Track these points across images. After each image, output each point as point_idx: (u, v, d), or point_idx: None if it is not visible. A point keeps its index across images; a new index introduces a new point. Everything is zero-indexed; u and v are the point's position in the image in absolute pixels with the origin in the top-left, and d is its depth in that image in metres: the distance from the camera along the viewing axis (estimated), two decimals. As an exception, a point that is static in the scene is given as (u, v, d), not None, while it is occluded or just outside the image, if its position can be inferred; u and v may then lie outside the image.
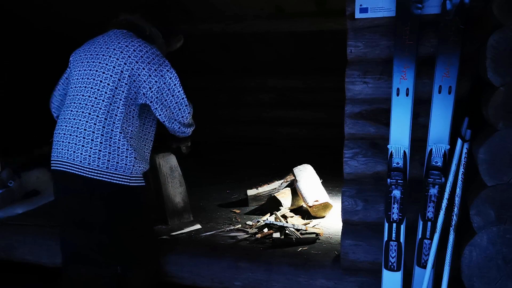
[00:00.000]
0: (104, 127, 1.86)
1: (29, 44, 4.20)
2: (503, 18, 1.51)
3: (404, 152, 1.78)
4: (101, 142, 1.86)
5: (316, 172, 3.05)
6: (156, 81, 1.90)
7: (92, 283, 1.97)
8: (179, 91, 1.97)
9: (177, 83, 1.96)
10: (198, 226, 2.69)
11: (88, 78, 1.92)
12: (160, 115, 1.97)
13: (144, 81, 1.89)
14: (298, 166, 3.07)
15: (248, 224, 2.70)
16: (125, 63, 1.88)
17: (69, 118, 1.93)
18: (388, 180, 1.81)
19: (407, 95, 1.76)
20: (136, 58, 1.89)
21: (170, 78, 1.93)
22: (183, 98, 1.98)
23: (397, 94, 1.77)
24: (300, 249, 2.34)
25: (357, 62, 1.88)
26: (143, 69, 1.89)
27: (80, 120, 1.89)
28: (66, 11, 3.80)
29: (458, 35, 1.67)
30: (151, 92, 1.91)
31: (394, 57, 1.76)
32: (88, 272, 1.95)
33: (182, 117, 2.01)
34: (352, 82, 1.89)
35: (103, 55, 1.92)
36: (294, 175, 2.99)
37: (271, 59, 4.76)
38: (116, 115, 1.88)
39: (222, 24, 3.86)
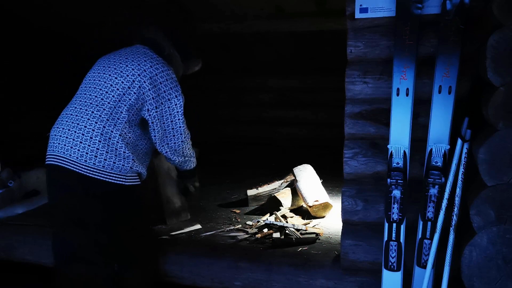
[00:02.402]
0: (104, 127, 1.87)
1: (29, 44, 4.20)
2: (503, 18, 1.51)
3: (404, 152, 1.78)
4: (99, 141, 1.86)
5: (316, 172, 3.05)
6: (162, 103, 1.95)
7: (92, 283, 1.97)
8: (179, 119, 2.01)
9: (180, 111, 2.00)
10: (198, 226, 2.70)
11: (99, 80, 1.96)
12: (154, 135, 1.99)
13: (152, 98, 1.93)
14: (298, 166, 3.07)
15: (248, 224, 2.70)
16: (138, 75, 1.92)
17: (71, 114, 1.94)
18: (388, 180, 1.81)
19: (407, 95, 1.76)
20: (150, 74, 1.93)
21: (175, 105, 1.98)
22: (180, 127, 2.02)
23: (397, 94, 1.77)
24: (300, 249, 2.34)
25: (357, 62, 1.88)
26: (154, 86, 1.93)
27: (82, 117, 1.90)
28: (66, 11, 3.80)
29: (458, 35, 1.67)
30: (155, 111, 1.95)
31: (394, 57, 1.76)
32: (88, 272, 1.95)
33: (174, 143, 2.04)
34: (352, 82, 1.89)
35: (120, 63, 1.97)
36: (294, 175, 2.99)
37: (271, 59, 4.77)
38: (118, 118, 1.89)
39: (222, 24, 3.86)
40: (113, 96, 1.91)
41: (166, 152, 2.06)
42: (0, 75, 3.96)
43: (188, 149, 2.15)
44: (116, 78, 1.93)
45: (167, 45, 2.10)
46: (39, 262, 2.56)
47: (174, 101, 1.98)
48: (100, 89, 1.93)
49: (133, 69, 1.93)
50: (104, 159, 1.87)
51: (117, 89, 1.91)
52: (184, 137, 2.06)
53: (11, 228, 2.72)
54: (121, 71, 1.94)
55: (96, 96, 1.92)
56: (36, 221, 2.75)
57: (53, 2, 3.61)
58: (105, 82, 1.94)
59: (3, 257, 2.66)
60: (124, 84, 1.91)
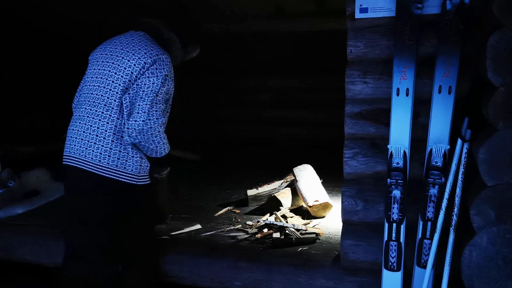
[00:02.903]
0: (116, 126, 1.90)
1: (29, 44, 4.20)
2: (503, 18, 1.51)
3: (404, 152, 1.78)
4: (112, 141, 1.89)
5: (316, 172, 3.05)
6: (141, 80, 1.89)
7: (92, 282, 1.97)
8: (149, 98, 1.88)
9: (156, 90, 1.89)
10: (198, 226, 2.69)
11: (101, 78, 1.95)
12: (125, 109, 1.90)
13: (140, 75, 1.90)
14: (298, 166, 3.07)
15: (248, 224, 2.70)
16: (134, 65, 1.91)
17: (83, 116, 1.96)
18: (388, 180, 1.81)
19: (407, 95, 1.76)
20: (145, 59, 1.91)
21: (153, 83, 1.89)
22: (147, 105, 1.88)
23: (397, 94, 1.77)
24: (300, 249, 2.34)
25: (357, 62, 1.88)
26: (143, 67, 1.91)
27: (93, 118, 1.92)
28: (66, 11, 3.80)
29: (458, 35, 1.67)
30: (135, 87, 1.89)
31: (394, 57, 1.76)
32: (88, 271, 1.95)
33: (135, 121, 1.88)
34: (352, 82, 1.89)
35: (117, 56, 1.95)
36: (294, 175, 2.99)
37: (271, 59, 4.77)
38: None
39: (222, 24, 3.86)
40: (116, 92, 1.90)
41: (127, 129, 1.91)
42: (0, 75, 3.96)
43: (152, 135, 1.91)
44: (115, 73, 1.92)
45: (165, 30, 2.06)
46: (39, 262, 2.56)
47: (153, 79, 1.89)
48: (104, 87, 1.93)
49: (128, 61, 1.91)
50: (117, 158, 1.89)
51: (119, 85, 1.90)
52: (148, 119, 1.89)
53: (11, 228, 2.72)
54: (119, 65, 1.92)
55: (102, 95, 1.92)
56: (36, 221, 2.76)
57: (53, 2, 3.62)
58: (106, 79, 1.93)
59: (3, 257, 2.66)
60: (125, 79, 1.90)
